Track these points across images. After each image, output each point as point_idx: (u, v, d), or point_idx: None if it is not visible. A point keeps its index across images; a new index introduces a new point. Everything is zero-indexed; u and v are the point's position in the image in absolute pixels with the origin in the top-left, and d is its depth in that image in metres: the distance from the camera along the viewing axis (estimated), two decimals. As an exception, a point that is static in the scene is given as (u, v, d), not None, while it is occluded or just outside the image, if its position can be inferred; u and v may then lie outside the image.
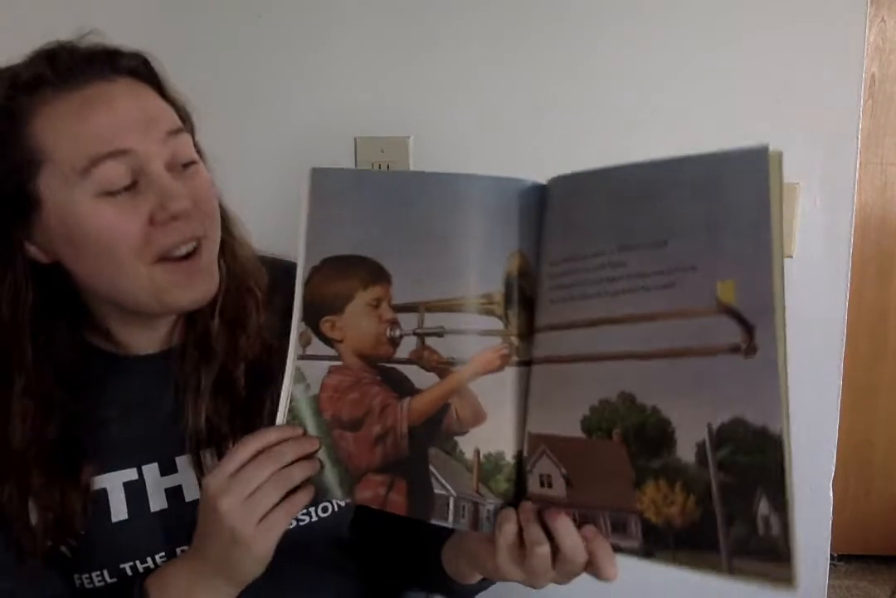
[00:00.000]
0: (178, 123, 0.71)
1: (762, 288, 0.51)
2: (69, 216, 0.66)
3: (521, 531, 0.59)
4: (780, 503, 0.51)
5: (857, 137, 1.16)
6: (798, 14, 1.13)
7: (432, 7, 1.18)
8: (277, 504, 0.62)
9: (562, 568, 0.59)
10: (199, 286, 0.71)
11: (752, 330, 0.52)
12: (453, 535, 0.75)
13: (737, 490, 0.53)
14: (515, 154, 1.20)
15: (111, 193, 0.65)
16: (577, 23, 1.17)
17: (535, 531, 0.58)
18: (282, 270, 0.77)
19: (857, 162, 1.17)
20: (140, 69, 0.71)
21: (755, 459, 0.52)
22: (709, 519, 0.54)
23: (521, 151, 1.20)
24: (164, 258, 0.68)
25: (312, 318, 0.66)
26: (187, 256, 0.69)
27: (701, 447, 0.54)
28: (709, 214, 0.53)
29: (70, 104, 0.65)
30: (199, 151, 0.75)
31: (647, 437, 0.56)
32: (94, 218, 0.66)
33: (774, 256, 0.51)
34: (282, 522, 0.63)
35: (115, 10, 1.20)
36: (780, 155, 0.51)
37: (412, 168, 1.21)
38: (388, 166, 1.21)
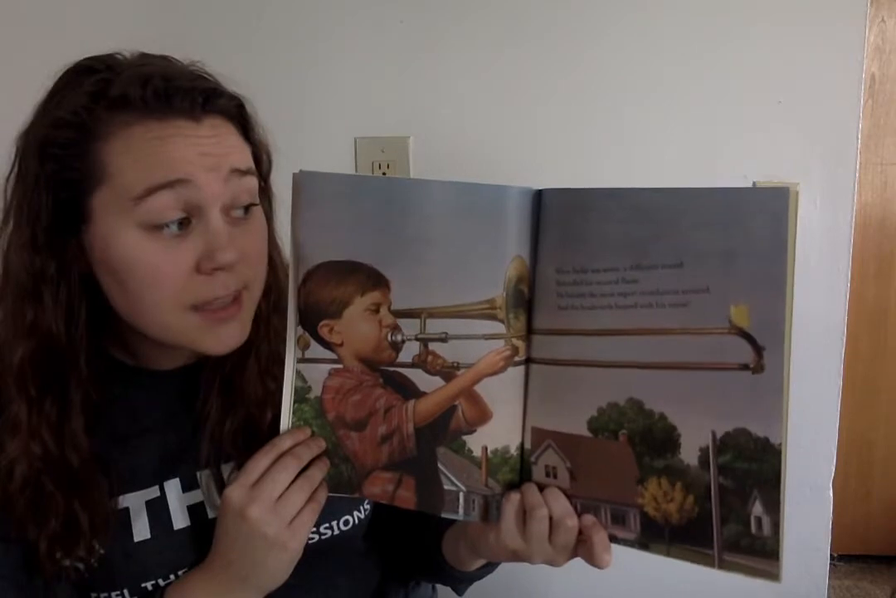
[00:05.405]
0: (249, 164, 0.68)
1: (775, 314, 0.55)
2: (113, 242, 0.64)
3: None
4: (774, 506, 0.56)
5: (857, 137, 1.16)
6: (798, 14, 1.13)
7: (433, 8, 1.18)
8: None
9: (556, 537, 0.63)
10: (228, 338, 0.68)
11: (762, 351, 0.55)
12: (453, 526, 0.78)
13: (734, 492, 0.57)
14: (515, 154, 1.20)
15: (158, 227, 0.63)
16: (577, 22, 1.17)
17: (535, 497, 0.63)
18: None
19: (857, 162, 1.17)
20: (232, 111, 0.68)
21: (754, 466, 0.57)
22: (705, 517, 0.59)
23: (520, 151, 1.20)
24: (200, 307, 0.66)
25: (309, 322, 0.66)
26: (224, 306, 0.67)
27: (704, 452, 0.58)
28: (726, 243, 0.56)
29: (149, 134, 0.63)
30: (270, 194, 0.74)
31: (653, 439, 0.60)
32: (138, 252, 0.63)
33: (787, 286, 0.54)
34: (310, 520, 0.65)
35: (114, 8, 1.20)
36: (797, 194, 0.54)
37: (412, 168, 1.21)
38: (388, 166, 1.21)
